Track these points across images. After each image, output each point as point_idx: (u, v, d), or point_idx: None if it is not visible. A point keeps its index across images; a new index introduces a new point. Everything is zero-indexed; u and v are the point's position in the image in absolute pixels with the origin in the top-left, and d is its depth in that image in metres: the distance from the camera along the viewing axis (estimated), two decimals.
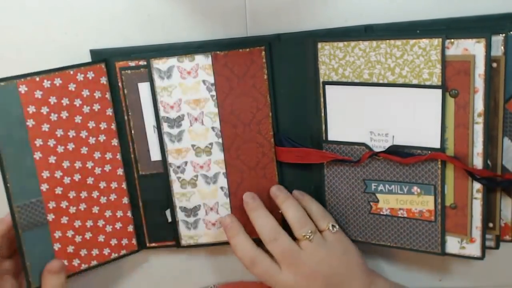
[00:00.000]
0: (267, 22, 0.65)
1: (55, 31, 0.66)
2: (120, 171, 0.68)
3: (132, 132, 0.66)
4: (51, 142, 0.64)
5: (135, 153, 0.67)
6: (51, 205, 0.64)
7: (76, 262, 0.67)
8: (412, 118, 0.60)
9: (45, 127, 0.63)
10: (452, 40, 0.57)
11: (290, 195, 0.66)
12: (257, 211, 0.65)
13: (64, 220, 0.65)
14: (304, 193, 0.67)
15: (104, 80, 0.65)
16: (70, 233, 0.66)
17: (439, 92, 0.58)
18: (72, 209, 0.66)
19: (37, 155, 0.63)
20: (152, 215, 0.69)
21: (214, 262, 0.74)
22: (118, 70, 0.65)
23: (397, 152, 0.61)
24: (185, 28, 0.65)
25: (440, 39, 0.57)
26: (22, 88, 0.61)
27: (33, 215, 0.64)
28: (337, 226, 0.64)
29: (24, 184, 0.63)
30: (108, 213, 0.68)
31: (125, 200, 0.68)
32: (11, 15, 0.65)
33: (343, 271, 0.62)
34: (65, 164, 0.65)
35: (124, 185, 0.68)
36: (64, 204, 0.65)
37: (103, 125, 0.66)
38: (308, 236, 0.62)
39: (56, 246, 0.65)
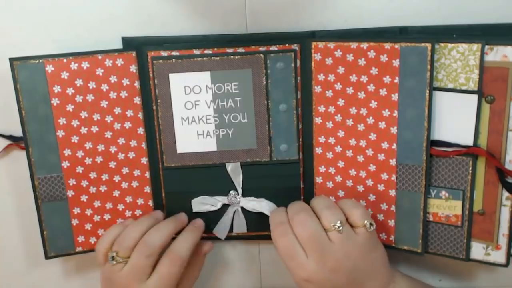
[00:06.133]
0: (267, 22, 0.64)
1: (55, 31, 0.65)
2: (144, 160, 0.67)
3: (160, 123, 0.66)
4: (75, 123, 0.65)
5: (161, 145, 0.66)
6: (71, 182, 0.66)
7: (93, 240, 0.68)
8: (446, 122, 0.60)
9: (70, 107, 0.64)
10: (492, 46, 0.57)
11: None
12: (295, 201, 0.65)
13: (84, 198, 0.67)
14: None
15: (133, 68, 0.65)
16: (88, 212, 0.68)
17: (475, 97, 0.58)
18: (92, 189, 0.67)
19: (60, 133, 0.65)
20: (174, 208, 0.69)
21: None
22: (150, 59, 0.64)
23: (437, 144, 0.61)
24: (185, 28, 0.65)
25: (480, 44, 0.57)
26: (49, 68, 0.63)
27: (53, 188, 0.66)
28: (374, 225, 0.61)
29: (45, 159, 0.65)
30: (128, 199, 0.68)
31: (147, 189, 0.68)
32: (11, 15, 0.65)
33: (367, 268, 0.60)
34: (88, 145, 0.66)
35: (147, 174, 0.68)
36: (84, 183, 0.67)
37: (129, 113, 0.66)
38: (337, 227, 0.59)
39: (74, 222, 0.68)
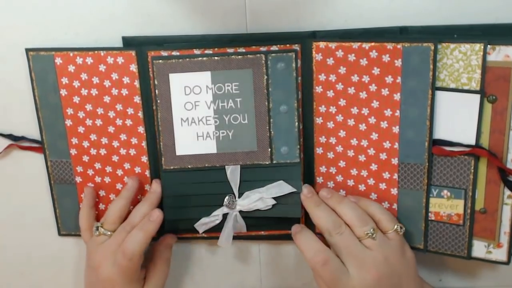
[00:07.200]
0: (267, 22, 0.64)
1: (55, 30, 0.65)
2: (144, 159, 0.68)
3: (159, 124, 0.65)
4: (81, 114, 0.67)
5: (160, 146, 0.66)
6: (79, 169, 0.69)
7: None
8: (447, 121, 0.60)
9: (76, 99, 0.67)
10: (494, 46, 0.57)
11: (344, 196, 0.65)
12: (320, 205, 0.64)
13: (90, 186, 0.69)
14: (360, 196, 0.65)
15: (133, 67, 0.65)
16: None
17: (477, 97, 0.58)
18: (98, 179, 0.69)
19: (68, 122, 0.67)
20: (173, 211, 0.68)
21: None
22: (150, 59, 0.64)
23: (440, 143, 0.62)
24: (185, 28, 0.65)
25: (482, 44, 0.57)
26: (58, 60, 0.65)
27: (63, 172, 0.69)
28: (404, 228, 0.62)
29: (56, 144, 0.68)
30: None
31: (148, 187, 0.69)
32: (11, 15, 0.65)
33: (402, 272, 0.61)
34: (92, 137, 0.68)
35: (147, 173, 0.68)
36: (90, 172, 0.69)
37: (130, 111, 0.66)
38: (371, 234, 0.60)
39: None
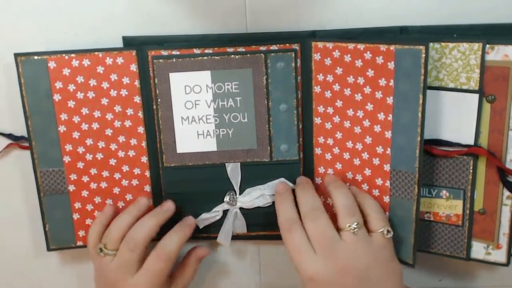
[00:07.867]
0: (267, 22, 0.65)
1: (55, 31, 0.65)
2: (144, 159, 0.67)
3: (160, 122, 0.66)
4: (76, 119, 0.65)
5: (161, 144, 0.66)
6: (72, 177, 0.67)
7: None
8: (446, 121, 0.60)
9: (71, 104, 0.65)
10: (493, 45, 0.57)
11: (346, 185, 0.64)
12: (305, 189, 0.63)
13: (85, 193, 0.68)
14: (362, 191, 0.64)
15: (134, 67, 0.65)
16: (89, 207, 0.68)
17: (476, 97, 0.58)
18: (93, 185, 0.68)
19: (61, 128, 0.66)
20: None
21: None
22: (150, 58, 0.64)
23: (438, 143, 0.61)
24: (185, 27, 0.65)
25: (481, 44, 0.57)
26: (51, 64, 0.64)
27: (54, 182, 0.67)
28: (392, 233, 0.59)
29: (48, 153, 0.66)
30: (128, 196, 0.68)
31: (147, 188, 0.68)
32: (11, 15, 0.65)
33: (377, 279, 0.58)
34: (88, 141, 0.66)
35: (147, 173, 0.68)
36: (85, 178, 0.67)
37: (129, 111, 0.66)
38: (352, 228, 0.58)
39: (75, 216, 0.68)
